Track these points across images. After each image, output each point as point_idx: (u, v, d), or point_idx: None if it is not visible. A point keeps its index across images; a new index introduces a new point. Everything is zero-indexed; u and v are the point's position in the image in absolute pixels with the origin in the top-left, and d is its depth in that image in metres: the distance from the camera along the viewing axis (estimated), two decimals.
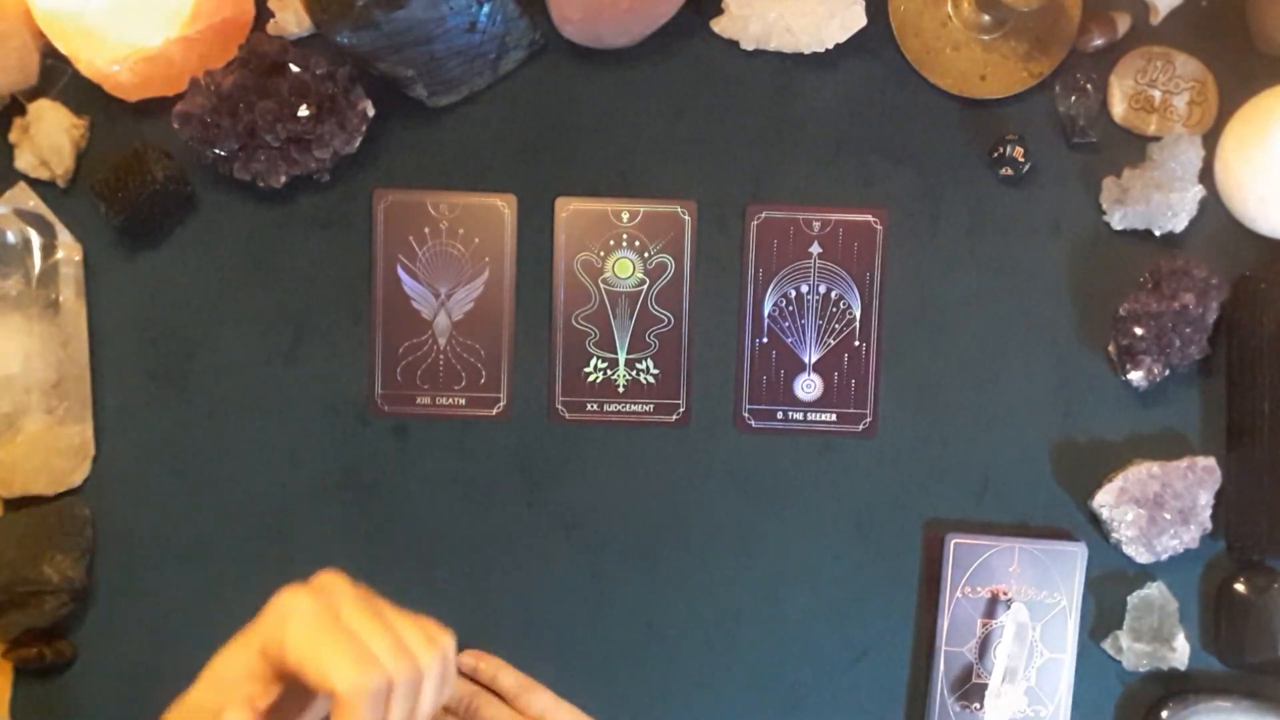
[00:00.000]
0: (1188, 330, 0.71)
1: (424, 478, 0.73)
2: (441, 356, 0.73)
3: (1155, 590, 0.73)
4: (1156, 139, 0.72)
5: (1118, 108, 0.73)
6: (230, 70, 0.68)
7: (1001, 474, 0.73)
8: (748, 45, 0.72)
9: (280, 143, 0.69)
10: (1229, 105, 0.73)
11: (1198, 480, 0.72)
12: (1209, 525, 0.72)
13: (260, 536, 0.73)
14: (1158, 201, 0.70)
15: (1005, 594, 0.72)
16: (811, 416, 0.74)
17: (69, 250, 0.71)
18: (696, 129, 0.73)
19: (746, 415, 0.74)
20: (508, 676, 0.70)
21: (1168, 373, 0.71)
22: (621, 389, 0.73)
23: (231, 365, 0.73)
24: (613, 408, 0.73)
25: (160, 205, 0.70)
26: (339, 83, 0.69)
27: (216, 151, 0.69)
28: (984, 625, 0.72)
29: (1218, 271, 0.71)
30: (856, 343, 0.73)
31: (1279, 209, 0.71)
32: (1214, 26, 0.73)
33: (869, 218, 0.73)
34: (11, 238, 0.70)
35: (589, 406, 0.73)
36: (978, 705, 0.72)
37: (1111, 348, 0.73)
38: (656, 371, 0.73)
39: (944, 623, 0.72)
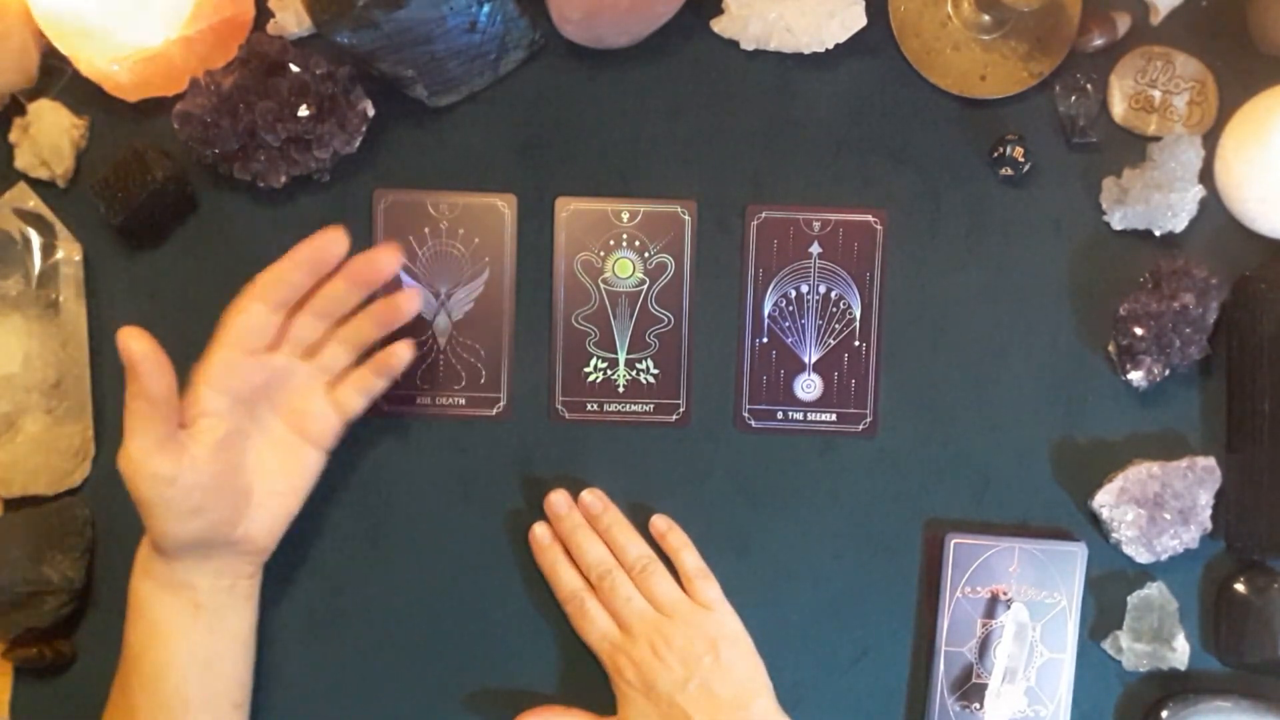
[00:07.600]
0: (1188, 330, 0.71)
1: (424, 478, 0.73)
2: (441, 356, 0.73)
3: (1155, 590, 0.73)
4: (1156, 139, 0.72)
5: (1118, 108, 0.73)
6: (230, 70, 0.68)
7: (1001, 474, 0.73)
8: (748, 45, 0.72)
9: (280, 143, 0.69)
10: (1229, 105, 0.73)
11: (1198, 480, 0.72)
12: (1209, 525, 0.72)
13: None
14: (1158, 201, 0.70)
15: (1005, 594, 0.72)
16: (811, 416, 0.74)
17: (69, 250, 0.71)
18: (696, 129, 0.73)
19: (746, 415, 0.74)
20: (690, 557, 0.72)
21: (1168, 373, 0.71)
22: (621, 389, 0.73)
23: None
24: (613, 408, 0.73)
25: (160, 205, 0.70)
26: (339, 83, 0.69)
27: (216, 151, 0.69)
28: (984, 625, 0.72)
29: (1218, 271, 0.71)
30: (856, 343, 0.73)
31: (1279, 209, 0.71)
32: (1214, 26, 0.73)
33: (869, 218, 0.73)
34: (12, 238, 0.70)
35: (589, 406, 0.73)
36: (978, 705, 0.72)
37: (1111, 348, 0.73)
38: (656, 371, 0.73)
39: (944, 623, 0.72)
